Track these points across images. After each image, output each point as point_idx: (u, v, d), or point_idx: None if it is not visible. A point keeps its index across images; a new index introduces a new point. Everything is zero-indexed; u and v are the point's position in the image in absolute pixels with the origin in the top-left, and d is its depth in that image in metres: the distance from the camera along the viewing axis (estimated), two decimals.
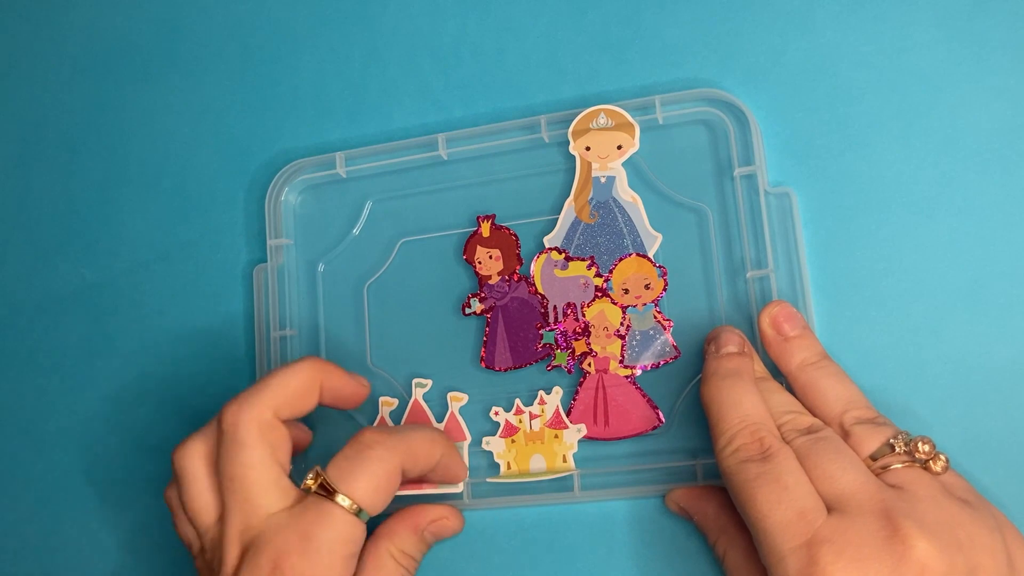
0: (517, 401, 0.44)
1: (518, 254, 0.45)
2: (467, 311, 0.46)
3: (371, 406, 0.46)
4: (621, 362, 0.43)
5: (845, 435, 0.37)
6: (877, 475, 0.35)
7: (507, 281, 0.45)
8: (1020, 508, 0.38)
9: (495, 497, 0.44)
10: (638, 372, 0.43)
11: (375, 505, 0.38)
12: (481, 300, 0.46)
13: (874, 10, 0.43)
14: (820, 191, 0.42)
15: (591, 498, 0.42)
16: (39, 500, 0.51)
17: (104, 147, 0.53)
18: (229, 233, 0.50)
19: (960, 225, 0.41)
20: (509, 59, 0.48)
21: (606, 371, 0.43)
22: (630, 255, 0.44)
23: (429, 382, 0.46)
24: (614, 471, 0.42)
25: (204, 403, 0.49)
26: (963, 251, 0.41)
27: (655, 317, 0.43)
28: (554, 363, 0.44)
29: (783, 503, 0.33)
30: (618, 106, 0.44)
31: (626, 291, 0.44)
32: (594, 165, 0.45)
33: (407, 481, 0.40)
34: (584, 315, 0.44)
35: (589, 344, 0.44)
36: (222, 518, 0.38)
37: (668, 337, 0.43)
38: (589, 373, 0.44)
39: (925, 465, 0.35)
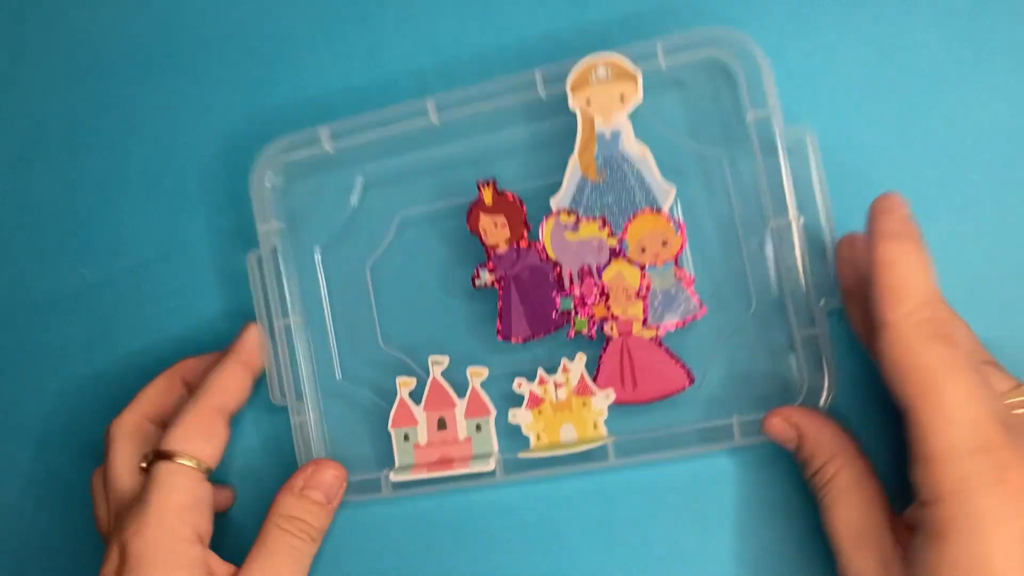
0: (540, 371, 0.43)
1: (524, 219, 0.44)
2: (477, 283, 0.44)
3: (388, 388, 0.45)
4: (644, 323, 0.42)
5: None
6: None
7: (516, 249, 0.44)
8: None
9: (527, 471, 0.43)
10: (663, 333, 0.42)
11: (189, 444, 0.41)
12: (490, 271, 0.44)
13: (873, 10, 0.42)
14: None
15: (627, 463, 0.42)
16: (39, 500, 0.50)
17: (104, 147, 0.51)
18: (228, 229, 0.48)
19: (960, 225, 0.40)
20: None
21: (629, 334, 0.42)
22: (644, 211, 0.42)
23: (446, 358, 0.44)
24: (648, 435, 0.42)
25: None
26: (963, 251, 0.40)
27: (676, 274, 0.42)
28: (574, 330, 0.43)
29: (983, 398, 0.31)
30: (616, 56, 0.42)
31: (643, 250, 0.42)
32: (597, 120, 0.42)
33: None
34: (601, 278, 0.43)
35: (609, 308, 0.42)
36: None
37: (690, 293, 0.42)
38: (612, 337, 0.42)
39: None
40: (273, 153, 0.45)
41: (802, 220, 0.40)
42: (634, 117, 0.42)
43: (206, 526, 0.41)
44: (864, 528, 0.35)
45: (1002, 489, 0.30)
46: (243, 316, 0.46)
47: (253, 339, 0.45)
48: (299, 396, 0.45)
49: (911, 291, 0.33)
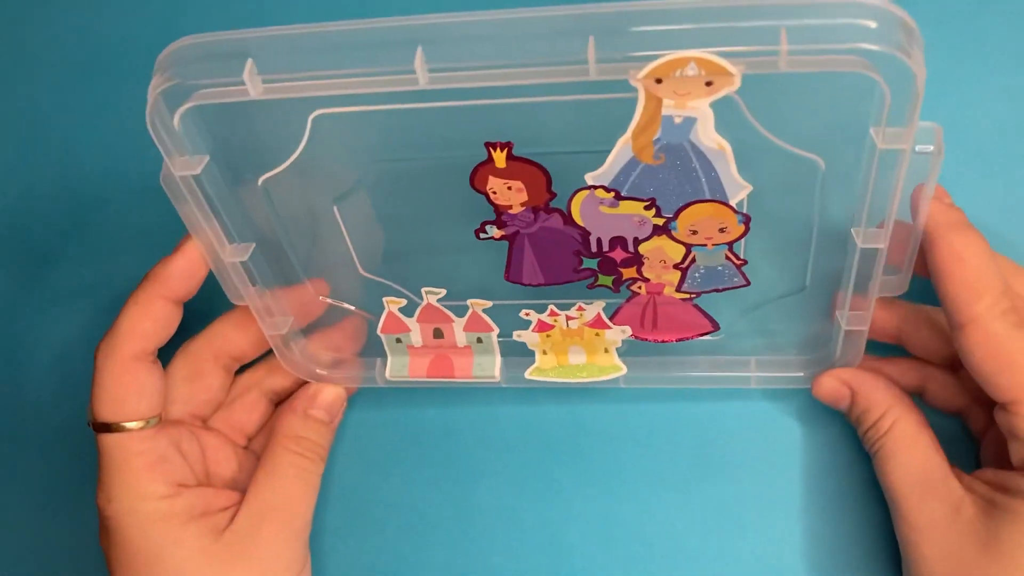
0: (551, 307, 0.38)
1: (548, 186, 0.33)
2: (482, 236, 0.35)
3: (376, 305, 0.39)
4: (679, 288, 0.36)
5: None
6: None
7: (535, 211, 0.34)
8: None
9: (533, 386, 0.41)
10: (697, 295, 0.37)
11: (120, 409, 0.37)
12: (500, 227, 0.35)
13: None
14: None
15: (637, 385, 0.41)
16: (39, 500, 0.47)
17: (104, 147, 0.49)
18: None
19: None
20: None
21: (660, 293, 0.37)
22: (706, 200, 0.32)
23: (442, 291, 0.38)
24: (662, 360, 0.40)
25: None
26: None
27: (727, 257, 0.35)
28: (597, 283, 0.37)
29: None
30: (718, 53, 0.27)
31: (694, 232, 0.34)
32: (666, 101, 0.29)
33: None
34: (637, 249, 0.35)
35: (641, 272, 0.36)
36: None
37: (739, 271, 0.35)
38: (638, 293, 0.37)
39: None
40: (166, 90, 0.30)
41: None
42: (718, 105, 0.29)
43: (183, 471, 0.39)
44: (929, 475, 0.36)
45: None
46: None
47: (183, 265, 0.37)
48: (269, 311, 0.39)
49: (988, 283, 0.32)
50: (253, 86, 0.29)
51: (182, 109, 0.31)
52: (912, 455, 0.36)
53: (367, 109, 0.31)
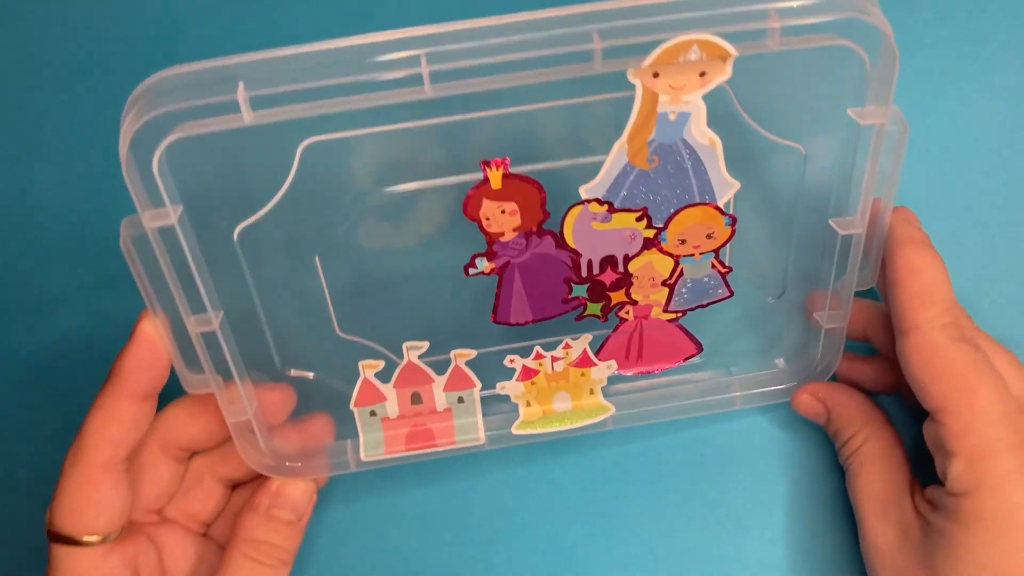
0: (537, 348, 0.37)
1: (542, 206, 0.33)
2: (471, 272, 0.34)
3: (349, 375, 0.36)
4: (666, 308, 0.36)
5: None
6: None
7: (527, 236, 0.33)
8: None
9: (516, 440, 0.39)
10: (683, 315, 0.37)
11: (78, 522, 0.34)
12: (490, 259, 0.34)
13: None
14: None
15: (622, 425, 0.40)
16: (39, 501, 0.41)
17: (104, 146, 0.45)
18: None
19: (960, 225, 0.39)
20: None
21: (646, 317, 0.37)
22: (696, 204, 0.33)
23: (425, 344, 0.36)
24: (646, 395, 0.39)
25: None
26: (964, 251, 0.40)
27: (713, 265, 0.35)
28: (585, 313, 0.36)
29: (1009, 398, 0.33)
30: (718, 33, 0.28)
31: (682, 242, 0.34)
32: (662, 97, 0.30)
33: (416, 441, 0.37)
34: (626, 268, 0.35)
35: (630, 294, 0.36)
36: None
37: (723, 281, 0.36)
38: (626, 319, 0.37)
39: None
40: (148, 124, 0.28)
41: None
42: (712, 98, 0.30)
43: None
44: (887, 497, 0.36)
45: None
46: None
47: (141, 356, 0.33)
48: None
49: (937, 295, 0.34)
50: (246, 110, 0.28)
51: (164, 143, 0.28)
52: (875, 477, 0.37)
53: (365, 132, 0.30)
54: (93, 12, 0.46)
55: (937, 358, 0.33)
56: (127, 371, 0.33)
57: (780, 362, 0.40)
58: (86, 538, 0.34)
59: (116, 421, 0.34)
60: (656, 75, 0.30)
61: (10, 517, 0.44)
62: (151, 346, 0.33)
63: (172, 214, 0.30)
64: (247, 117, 0.28)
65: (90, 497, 0.34)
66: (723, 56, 0.29)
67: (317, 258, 0.34)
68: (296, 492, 0.38)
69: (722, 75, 0.30)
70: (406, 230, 0.34)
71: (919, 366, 0.33)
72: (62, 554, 0.34)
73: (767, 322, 0.39)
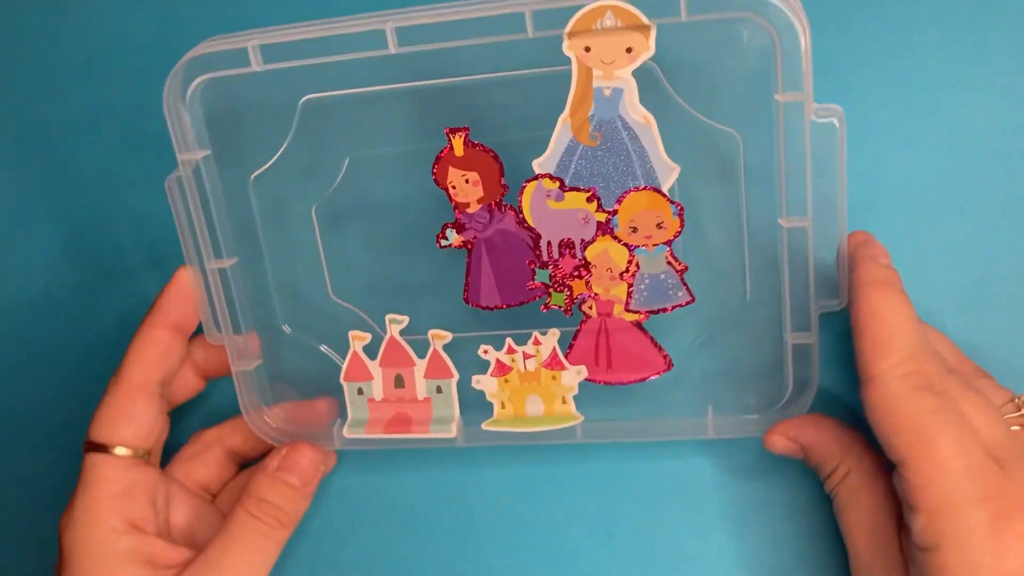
0: (509, 340, 0.40)
1: (501, 180, 0.37)
2: (442, 243, 0.38)
3: (339, 343, 0.41)
4: (627, 307, 0.38)
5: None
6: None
7: (489, 210, 0.38)
8: None
9: (489, 440, 0.41)
10: (646, 317, 0.38)
11: (112, 431, 0.39)
12: (459, 231, 0.38)
13: (873, 10, 0.39)
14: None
15: (594, 442, 0.40)
16: (39, 501, 0.48)
17: (104, 147, 0.47)
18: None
19: (960, 225, 0.39)
20: None
21: (610, 315, 0.38)
22: (641, 188, 0.36)
23: (405, 319, 0.40)
24: (619, 417, 0.40)
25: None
26: (963, 251, 0.39)
27: (667, 260, 0.37)
28: (550, 303, 0.39)
29: (973, 449, 0.31)
30: (629, 2, 0.33)
31: (634, 230, 0.37)
32: (596, 72, 0.35)
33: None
34: (584, 254, 0.38)
35: (590, 285, 0.38)
36: None
37: (681, 281, 0.37)
38: (590, 316, 0.39)
39: None
40: (186, 69, 0.36)
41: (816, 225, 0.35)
42: (641, 74, 0.34)
43: (143, 512, 0.39)
44: (875, 528, 0.35)
45: (1000, 540, 0.30)
46: None
47: (176, 293, 0.40)
48: (242, 343, 0.41)
49: (897, 342, 0.33)
50: (256, 61, 0.36)
51: (194, 84, 0.37)
52: (862, 508, 0.36)
53: (348, 92, 0.37)
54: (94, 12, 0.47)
55: (896, 410, 0.32)
56: (163, 304, 0.40)
57: (753, 408, 0.39)
58: (117, 449, 0.39)
59: (152, 345, 0.39)
60: (588, 49, 0.34)
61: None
62: (184, 286, 0.40)
63: (199, 154, 0.38)
64: (256, 65, 0.36)
65: (125, 411, 0.39)
66: (636, 24, 0.33)
67: (313, 212, 0.39)
68: (304, 460, 0.41)
69: (646, 51, 0.34)
70: (387, 199, 0.39)
71: (879, 418, 0.33)
72: (89, 462, 0.39)
73: (732, 337, 0.38)
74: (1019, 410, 0.35)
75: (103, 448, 0.39)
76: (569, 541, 0.42)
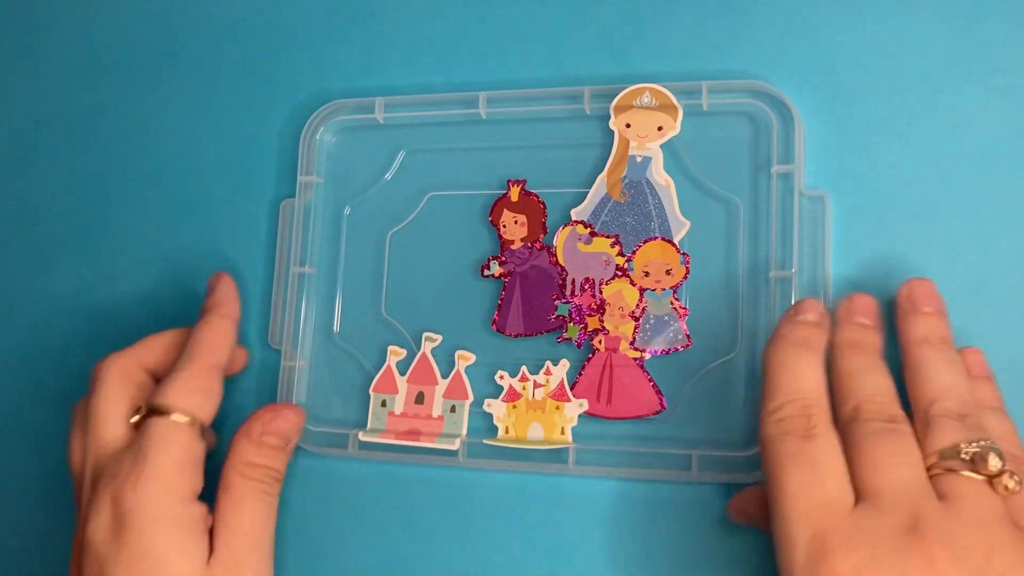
0: (523, 368, 0.44)
1: (544, 223, 0.45)
2: (485, 273, 0.46)
3: (379, 354, 0.46)
4: (632, 344, 0.43)
5: (926, 424, 0.34)
6: (936, 475, 0.33)
7: (529, 248, 0.45)
8: None
9: (489, 459, 0.44)
10: (647, 356, 0.43)
11: (186, 400, 0.41)
12: (501, 264, 0.46)
13: (872, 7, 0.43)
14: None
15: (584, 473, 0.43)
16: (39, 501, 0.51)
17: (104, 147, 0.52)
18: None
19: (960, 225, 0.41)
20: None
21: (616, 351, 0.43)
22: (655, 239, 0.43)
23: (439, 338, 0.46)
24: (610, 449, 0.43)
25: None
26: (963, 251, 0.41)
27: (672, 303, 0.43)
28: (565, 335, 0.44)
29: (813, 488, 0.32)
30: (664, 87, 0.44)
31: (646, 274, 0.43)
32: (632, 143, 0.44)
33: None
34: (601, 292, 0.44)
35: (603, 322, 0.44)
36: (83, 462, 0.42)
37: (682, 325, 0.43)
38: (598, 350, 0.44)
39: (990, 481, 0.32)
40: (328, 112, 0.48)
41: (802, 277, 0.41)
42: (667, 148, 0.44)
43: (200, 483, 0.41)
44: None
45: (827, 568, 0.30)
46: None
47: (229, 290, 0.46)
48: (295, 343, 0.47)
49: (776, 392, 0.35)
50: (380, 115, 0.47)
51: (325, 123, 0.48)
52: None
53: (441, 147, 0.47)
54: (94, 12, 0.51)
55: (763, 448, 0.35)
56: (222, 299, 0.46)
57: (738, 448, 0.41)
58: (182, 417, 0.41)
59: (222, 332, 0.45)
60: (628, 125, 0.44)
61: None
62: (233, 283, 0.47)
63: (315, 179, 0.48)
64: (379, 117, 0.47)
65: (202, 386, 0.42)
66: (669, 105, 0.43)
67: (388, 237, 0.47)
68: (285, 424, 0.44)
69: (673, 130, 0.44)
70: (447, 231, 0.47)
71: (761, 454, 0.35)
72: (161, 427, 0.40)
73: (725, 380, 0.42)
74: (959, 455, 0.33)
75: (169, 412, 0.41)
76: (568, 541, 0.42)
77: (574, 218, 0.45)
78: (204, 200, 0.51)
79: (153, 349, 0.45)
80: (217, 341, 0.44)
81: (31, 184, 0.54)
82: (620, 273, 0.44)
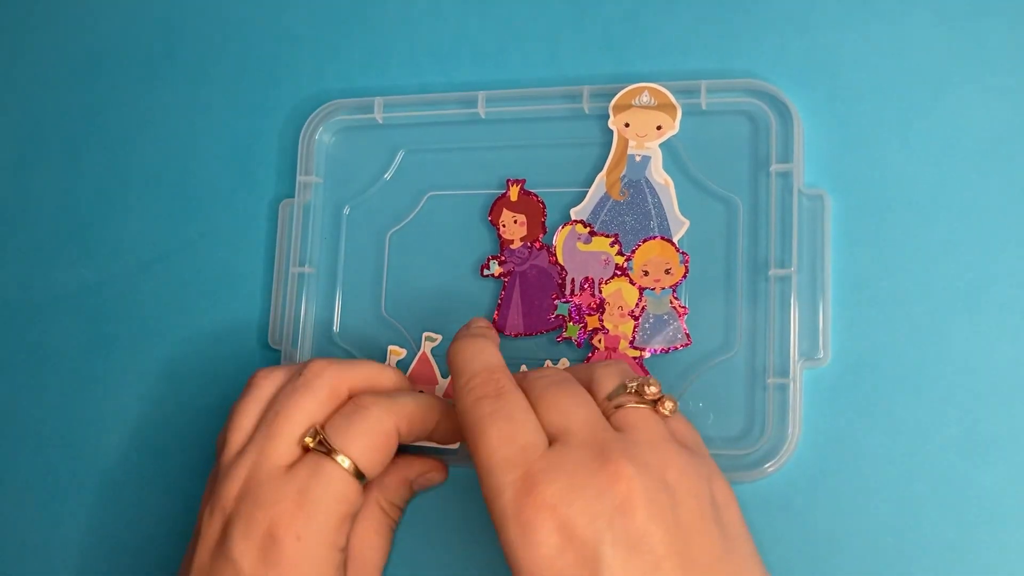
0: (523, 367, 0.44)
1: (543, 222, 0.45)
2: (485, 272, 0.46)
3: (379, 353, 0.46)
4: (631, 343, 0.43)
5: (590, 383, 0.38)
6: (610, 415, 0.36)
7: (529, 248, 0.45)
8: (1019, 508, 0.38)
9: None
10: (647, 354, 0.43)
11: (372, 466, 0.38)
12: (500, 263, 0.46)
13: (872, 6, 0.43)
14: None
15: None
16: (40, 501, 0.51)
17: (104, 147, 0.53)
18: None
19: (960, 225, 0.41)
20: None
21: (615, 350, 0.43)
22: (655, 238, 0.43)
23: (439, 337, 0.46)
24: None
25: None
26: (963, 251, 0.41)
27: (671, 303, 0.43)
28: (565, 334, 0.44)
29: (513, 436, 0.34)
30: (663, 86, 0.44)
31: (646, 273, 0.43)
32: (631, 143, 0.44)
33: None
34: (601, 292, 0.44)
35: (602, 321, 0.44)
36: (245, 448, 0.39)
37: (681, 324, 0.43)
38: (598, 349, 0.44)
39: (654, 408, 0.36)
40: (326, 113, 0.48)
41: (801, 275, 0.41)
42: (666, 147, 0.44)
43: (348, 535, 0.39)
44: None
45: (524, 516, 0.32)
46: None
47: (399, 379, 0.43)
48: (295, 343, 0.47)
49: (464, 371, 0.38)
50: (379, 115, 0.47)
51: (324, 124, 0.48)
52: None
53: (440, 146, 0.47)
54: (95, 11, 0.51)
55: (463, 417, 0.36)
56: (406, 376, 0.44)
57: (735, 447, 0.41)
58: (343, 460, 0.37)
59: (431, 411, 0.40)
60: (627, 125, 0.44)
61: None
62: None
63: (313, 179, 0.48)
64: (379, 117, 0.47)
65: (388, 447, 0.39)
66: (667, 104, 0.43)
67: (388, 237, 0.47)
68: (441, 477, 0.44)
69: (672, 129, 0.44)
70: (447, 231, 0.47)
71: (462, 427, 0.36)
72: (343, 479, 0.37)
73: (724, 379, 0.42)
74: (626, 390, 0.36)
75: (349, 458, 0.38)
76: None
77: (573, 217, 0.45)
78: (204, 200, 0.51)
79: (367, 379, 0.41)
80: (421, 415, 0.40)
81: (31, 184, 0.54)
82: (619, 272, 0.44)
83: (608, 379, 0.37)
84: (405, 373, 0.46)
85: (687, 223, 0.43)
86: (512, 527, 0.32)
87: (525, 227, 0.46)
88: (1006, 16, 0.41)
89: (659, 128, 0.44)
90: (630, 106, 0.44)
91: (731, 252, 0.43)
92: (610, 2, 0.47)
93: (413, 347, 0.46)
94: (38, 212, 0.53)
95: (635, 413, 0.36)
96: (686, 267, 0.43)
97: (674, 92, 0.43)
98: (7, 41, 0.55)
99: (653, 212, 0.44)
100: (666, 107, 0.44)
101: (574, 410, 0.35)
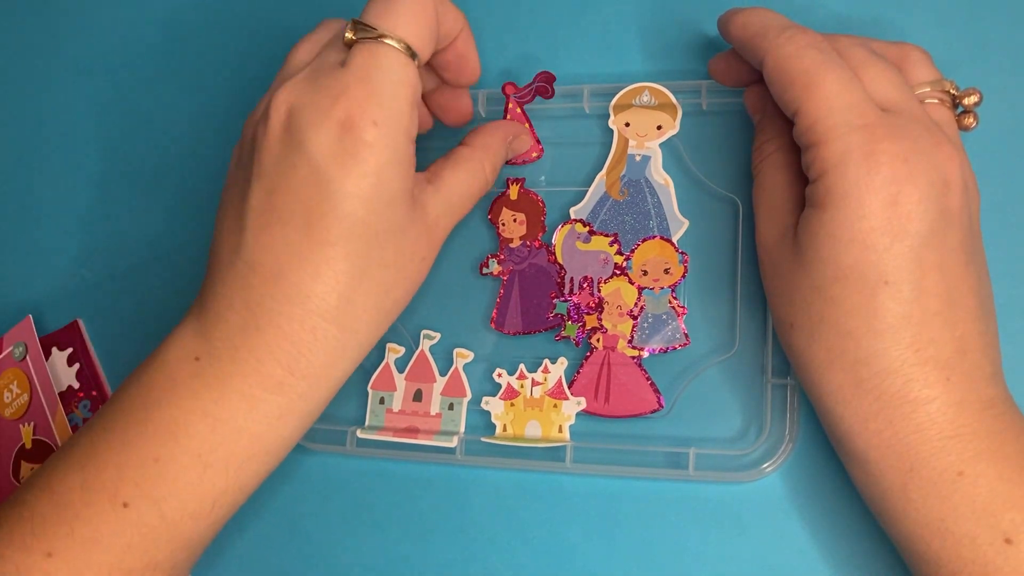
0: (521, 366, 0.44)
1: (543, 221, 0.45)
2: (484, 271, 0.46)
3: (377, 351, 0.46)
4: (630, 342, 0.43)
5: (900, 60, 0.38)
6: (927, 102, 0.37)
7: (528, 246, 0.45)
8: None
9: (487, 457, 0.44)
10: (645, 354, 0.43)
11: (423, 43, 0.36)
12: (500, 262, 0.46)
13: (872, 11, 0.44)
14: None
15: (581, 471, 0.42)
16: None
17: (104, 147, 0.53)
18: None
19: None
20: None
21: (613, 349, 0.43)
22: (654, 237, 0.43)
23: (437, 335, 0.46)
24: (607, 448, 0.42)
25: None
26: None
27: (670, 302, 0.43)
28: (563, 334, 0.44)
29: (853, 83, 0.34)
30: (664, 86, 0.44)
31: (645, 272, 0.43)
32: (631, 142, 0.44)
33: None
34: (600, 291, 0.44)
35: (601, 320, 0.44)
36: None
37: (680, 324, 0.43)
38: (596, 348, 0.43)
39: (962, 114, 0.38)
40: None
41: None
42: (666, 147, 0.44)
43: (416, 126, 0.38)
44: (778, 203, 0.38)
45: (873, 160, 0.33)
46: None
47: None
48: None
49: (775, 23, 0.37)
50: None
51: None
52: (775, 182, 0.39)
53: None
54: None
55: (787, 65, 0.36)
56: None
57: (734, 446, 0.41)
58: (393, 41, 0.36)
59: None
60: (627, 124, 0.44)
61: None
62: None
63: None
64: None
65: (433, 16, 0.37)
66: (667, 104, 0.43)
67: None
68: (528, 143, 0.46)
69: (672, 129, 0.44)
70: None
71: (777, 80, 0.36)
72: (401, 62, 0.36)
73: (723, 378, 0.42)
74: (941, 90, 0.38)
75: (401, 42, 0.36)
76: (569, 541, 0.42)
77: (573, 216, 0.45)
78: (204, 200, 0.51)
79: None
80: (452, 7, 0.39)
81: (31, 184, 0.54)
82: (619, 272, 0.44)
83: (925, 66, 0.38)
84: (402, 372, 0.46)
85: (687, 223, 0.43)
86: (858, 162, 0.33)
87: (524, 226, 0.46)
88: (1006, 16, 0.42)
89: (659, 128, 0.44)
90: (630, 106, 0.44)
91: (731, 252, 0.43)
92: (610, 2, 0.47)
93: (412, 345, 0.46)
94: (38, 212, 0.53)
95: (940, 110, 0.37)
96: (685, 267, 0.43)
97: (675, 92, 0.44)
98: (7, 41, 0.55)
99: (653, 212, 0.44)
100: (666, 107, 0.44)
101: (903, 87, 0.36)
